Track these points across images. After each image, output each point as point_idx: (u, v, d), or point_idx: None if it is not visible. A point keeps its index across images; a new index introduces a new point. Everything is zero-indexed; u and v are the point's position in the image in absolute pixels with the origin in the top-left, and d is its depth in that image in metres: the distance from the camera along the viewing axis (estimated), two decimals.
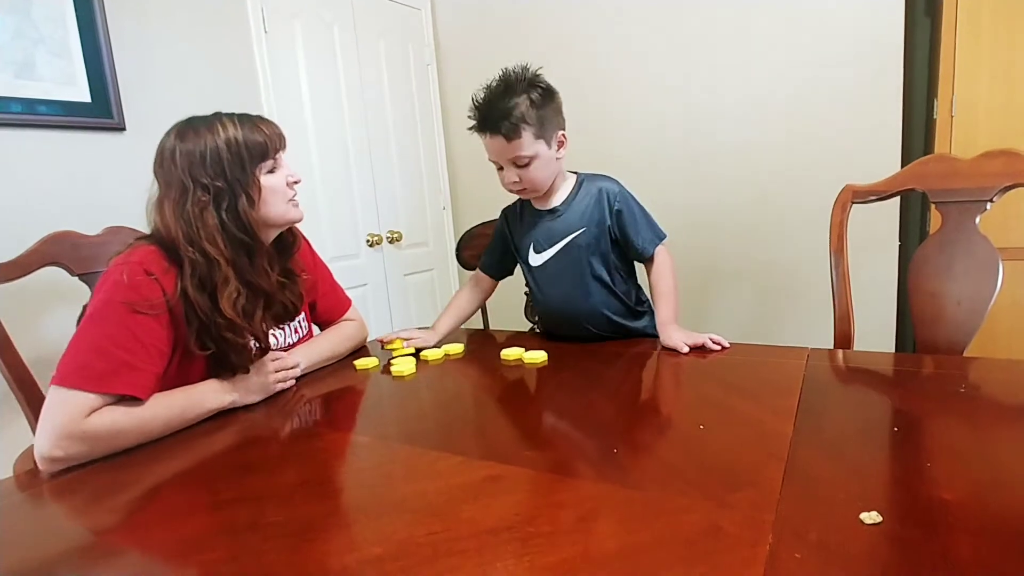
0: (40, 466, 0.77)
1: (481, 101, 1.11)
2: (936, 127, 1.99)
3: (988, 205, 1.11)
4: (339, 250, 2.19)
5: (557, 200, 1.22)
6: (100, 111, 1.52)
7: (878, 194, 1.22)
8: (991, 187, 1.10)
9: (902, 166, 1.39)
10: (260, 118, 0.98)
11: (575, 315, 1.22)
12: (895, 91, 1.90)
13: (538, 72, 1.13)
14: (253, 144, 0.94)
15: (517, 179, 1.14)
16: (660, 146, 2.28)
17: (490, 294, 1.40)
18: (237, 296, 0.92)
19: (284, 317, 1.08)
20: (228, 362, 0.93)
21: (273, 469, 0.73)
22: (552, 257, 1.22)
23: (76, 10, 1.46)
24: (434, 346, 1.23)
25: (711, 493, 0.58)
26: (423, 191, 2.62)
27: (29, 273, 1.14)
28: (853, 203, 1.24)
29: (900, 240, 2.00)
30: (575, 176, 1.24)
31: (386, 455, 0.76)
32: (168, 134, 0.94)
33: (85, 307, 1.18)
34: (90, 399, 0.78)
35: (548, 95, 1.12)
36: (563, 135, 1.15)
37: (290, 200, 1.01)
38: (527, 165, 1.12)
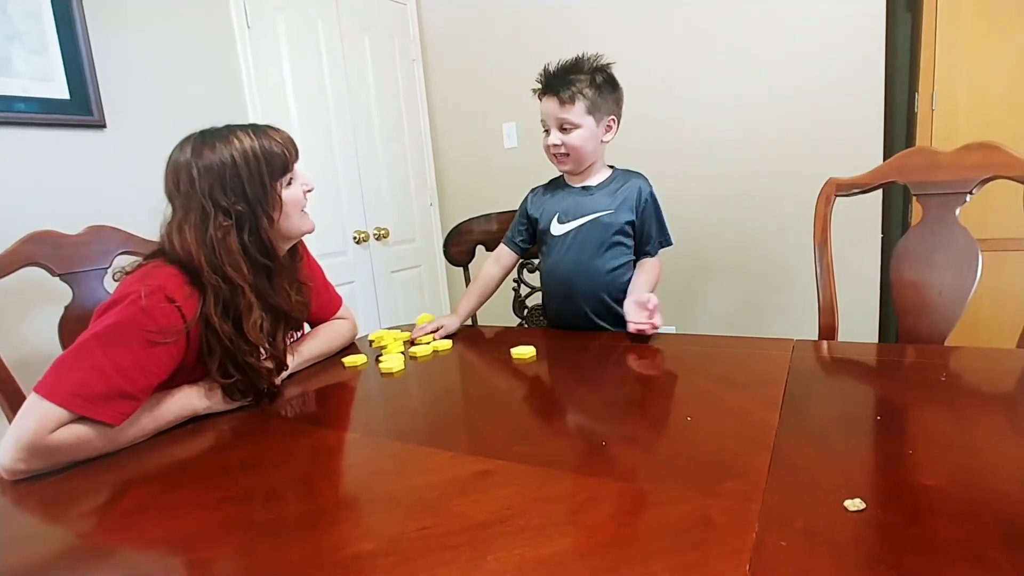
0: (3, 475, 0.74)
1: (549, 67, 1.23)
2: (917, 121, 2.02)
3: (968, 197, 1.13)
4: (326, 247, 2.17)
5: (592, 181, 1.30)
6: (79, 108, 1.50)
7: (861, 187, 1.24)
8: (971, 179, 1.12)
9: (884, 159, 1.41)
10: (271, 128, 0.95)
11: (578, 289, 1.28)
12: (877, 85, 1.92)
13: (609, 64, 1.24)
14: (271, 157, 0.92)
15: (559, 142, 1.23)
16: (646, 142, 2.28)
17: (511, 270, 1.45)
18: (261, 322, 0.92)
19: (296, 327, 1.09)
20: (252, 387, 0.93)
21: (263, 467, 0.73)
22: (575, 228, 1.28)
23: (53, 5, 1.43)
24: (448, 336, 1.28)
25: (699, 484, 0.59)
26: (410, 187, 2.61)
27: (9, 274, 1.12)
28: (837, 196, 1.26)
29: (883, 232, 2.03)
30: (612, 168, 1.32)
31: (376, 451, 0.76)
32: (181, 149, 0.90)
33: (67, 308, 1.18)
34: (66, 416, 0.74)
35: (610, 83, 1.23)
36: (613, 120, 1.26)
37: (303, 210, 1.00)
38: (570, 131, 1.21)
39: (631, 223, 1.26)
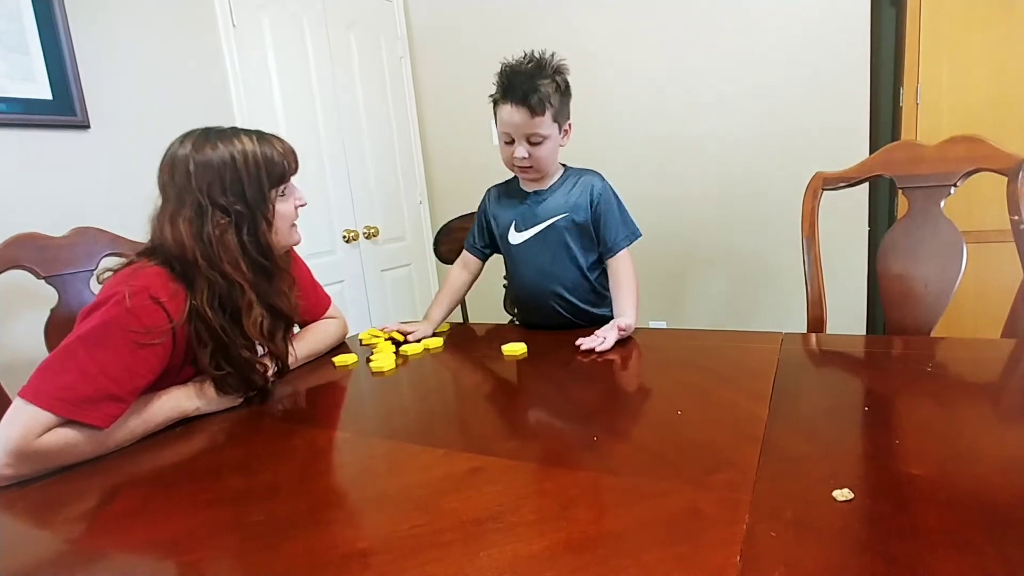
0: None
1: (510, 71, 1.13)
2: (902, 115, 2.03)
3: (952, 190, 1.14)
4: (315, 247, 2.16)
5: (544, 184, 1.25)
6: (62, 108, 1.48)
7: (847, 180, 1.25)
8: (955, 172, 1.13)
9: (870, 153, 1.42)
10: (275, 137, 0.95)
11: (546, 295, 1.25)
12: (863, 80, 1.94)
13: (562, 62, 1.16)
14: (270, 164, 0.92)
15: (527, 155, 1.16)
16: (635, 139, 2.29)
17: (478, 274, 1.40)
18: (262, 320, 0.91)
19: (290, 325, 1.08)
20: (240, 382, 0.92)
21: (253, 468, 0.73)
22: (532, 237, 1.25)
23: (33, 4, 1.41)
24: (417, 340, 1.24)
25: (690, 476, 0.60)
26: (399, 185, 2.60)
27: None
28: (824, 190, 1.27)
29: (869, 225, 2.05)
30: (563, 167, 1.28)
31: (368, 450, 0.76)
32: (181, 142, 0.89)
33: (53, 311, 1.17)
34: (52, 420, 0.74)
35: (567, 87, 1.17)
36: (569, 125, 1.20)
37: (293, 224, 1.00)
38: (539, 143, 1.15)
39: (588, 221, 1.21)
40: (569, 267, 1.24)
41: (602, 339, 1.07)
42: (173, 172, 0.88)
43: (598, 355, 1.05)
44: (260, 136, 0.93)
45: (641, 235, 1.25)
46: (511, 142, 1.16)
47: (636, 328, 1.27)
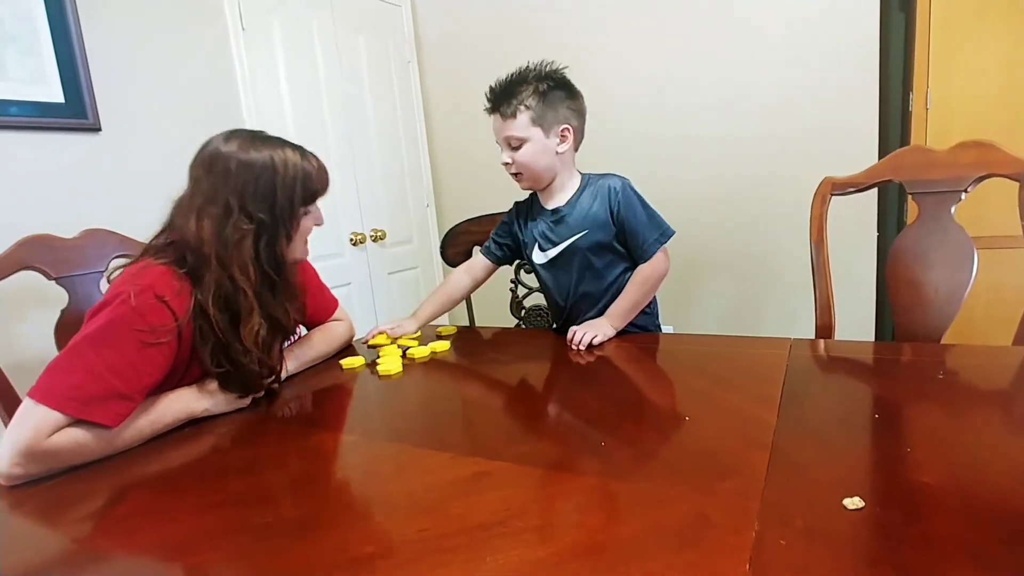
0: (0, 480, 0.74)
1: (495, 85, 1.18)
2: (912, 120, 2.02)
3: (963, 195, 1.13)
4: (322, 249, 2.17)
5: (561, 200, 1.24)
6: (74, 111, 1.49)
7: (856, 186, 1.24)
8: (965, 177, 1.12)
9: (879, 158, 1.41)
10: (313, 155, 0.97)
11: (576, 311, 1.26)
12: (872, 85, 1.93)
13: (559, 69, 1.18)
14: (307, 180, 0.94)
15: (510, 160, 1.18)
16: (641, 142, 2.29)
17: (482, 281, 1.38)
18: (259, 329, 0.92)
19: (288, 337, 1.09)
20: (240, 382, 0.93)
21: (260, 470, 0.73)
22: (554, 257, 1.25)
23: (46, 8, 1.43)
24: (417, 338, 1.25)
25: (698, 483, 0.59)
26: (406, 189, 2.61)
27: (4, 277, 1.12)
28: (832, 195, 1.26)
29: (878, 231, 2.04)
30: (581, 177, 1.26)
31: (374, 454, 0.76)
32: (226, 140, 0.90)
33: (64, 312, 1.18)
34: (61, 419, 0.74)
35: (559, 89, 1.17)
36: (567, 129, 1.18)
37: (305, 240, 1.02)
38: (518, 147, 1.16)
39: (613, 228, 1.19)
40: (595, 283, 1.23)
41: (583, 335, 1.11)
42: (212, 167, 0.89)
43: (601, 359, 1.05)
44: (302, 151, 0.95)
45: (674, 233, 1.20)
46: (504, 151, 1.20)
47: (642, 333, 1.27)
